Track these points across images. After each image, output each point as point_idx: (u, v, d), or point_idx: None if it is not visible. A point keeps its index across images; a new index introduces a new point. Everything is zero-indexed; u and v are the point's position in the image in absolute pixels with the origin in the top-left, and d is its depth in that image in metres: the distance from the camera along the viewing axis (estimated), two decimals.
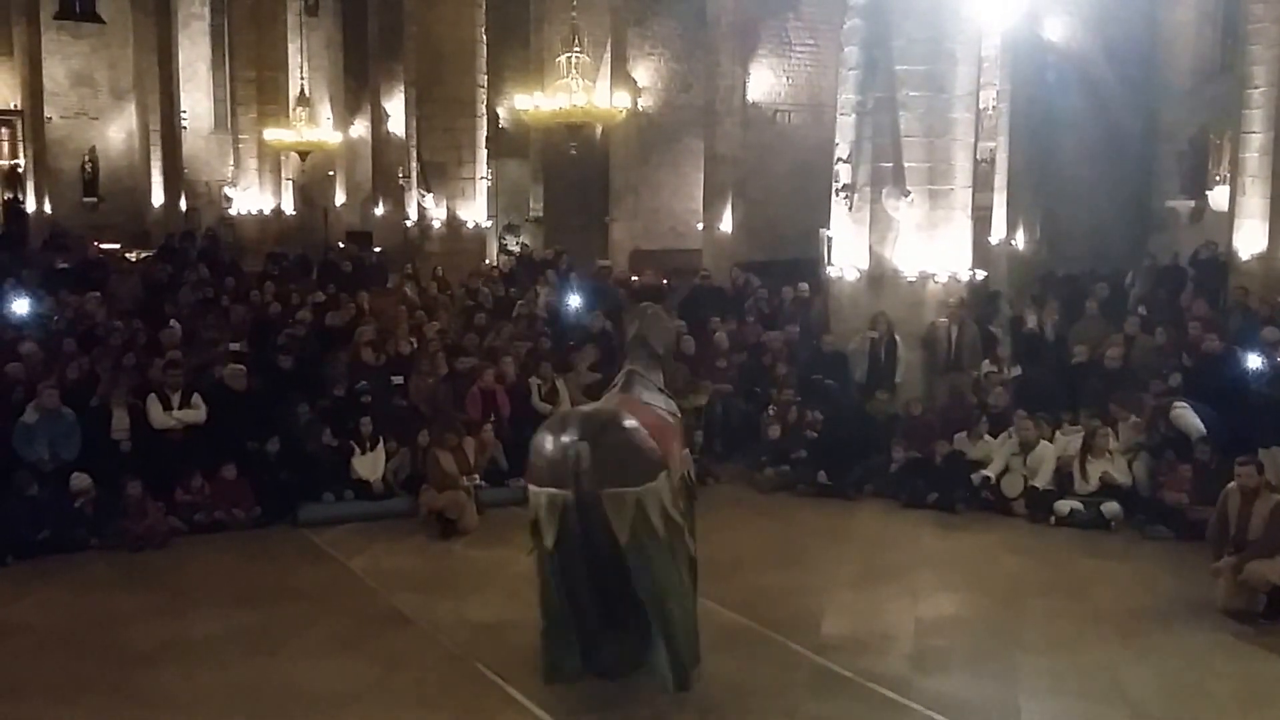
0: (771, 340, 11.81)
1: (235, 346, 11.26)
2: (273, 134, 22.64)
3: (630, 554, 5.51)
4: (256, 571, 8.09)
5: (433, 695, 6.05)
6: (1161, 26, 16.82)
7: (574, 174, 21.49)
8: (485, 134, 18.23)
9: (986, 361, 11.10)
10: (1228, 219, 13.81)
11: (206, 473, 9.05)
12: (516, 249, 22.30)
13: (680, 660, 5.67)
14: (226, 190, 27.18)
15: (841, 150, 11.32)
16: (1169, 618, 7.17)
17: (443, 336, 11.85)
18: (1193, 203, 16.19)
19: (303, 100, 22.62)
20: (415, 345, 11.38)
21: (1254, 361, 9.68)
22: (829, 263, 11.63)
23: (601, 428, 5.61)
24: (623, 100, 18.23)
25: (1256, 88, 13.18)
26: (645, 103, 21.69)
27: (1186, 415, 9.21)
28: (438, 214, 17.69)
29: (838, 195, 11.38)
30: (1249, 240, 13.22)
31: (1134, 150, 16.85)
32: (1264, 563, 7.00)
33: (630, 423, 5.69)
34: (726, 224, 19.91)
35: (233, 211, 25.57)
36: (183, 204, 27.72)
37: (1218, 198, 15.20)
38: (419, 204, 17.93)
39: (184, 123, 28.01)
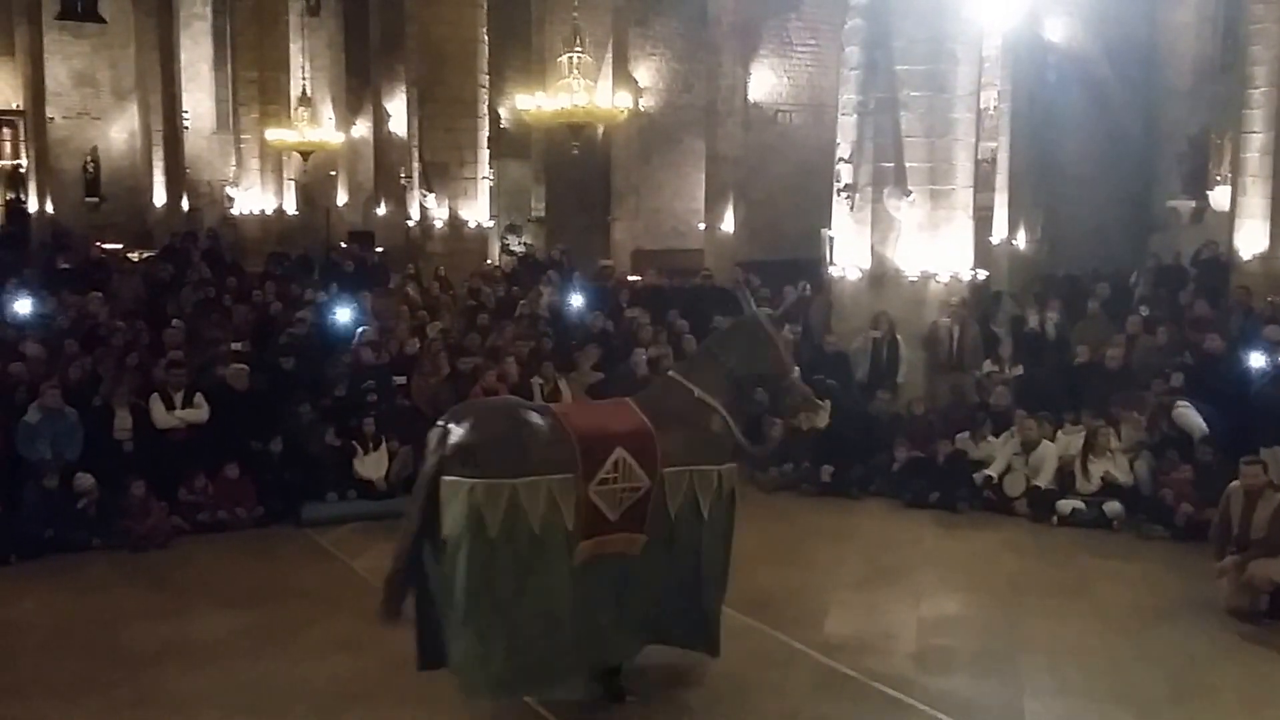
0: None
1: (237, 346, 11.27)
2: (274, 134, 22.67)
3: (448, 546, 5.20)
4: (259, 571, 8.09)
5: (436, 694, 6.03)
6: (1162, 27, 16.84)
7: (576, 174, 21.51)
8: (487, 134, 18.24)
9: (988, 361, 11.11)
10: (1229, 219, 13.81)
11: (209, 472, 9.06)
12: (519, 249, 22.31)
13: (463, 669, 5.32)
14: (228, 190, 27.21)
15: (843, 150, 11.33)
16: (1172, 617, 7.17)
17: (445, 336, 11.85)
18: (1194, 203, 16.20)
19: (304, 100, 22.66)
20: (418, 345, 11.38)
21: (1256, 360, 9.68)
22: (830, 262, 11.64)
23: (479, 415, 5.39)
24: (624, 100, 18.26)
25: (1257, 88, 13.19)
26: (647, 103, 21.72)
27: (1189, 415, 9.22)
28: (440, 214, 17.71)
29: (839, 195, 11.39)
30: (1250, 240, 13.22)
31: (1135, 150, 16.87)
32: (1267, 562, 7.01)
33: (531, 417, 5.39)
34: (728, 224, 19.94)
35: (235, 211, 25.60)
36: (185, 204, 27.74)
37: (1219, 197, 15.21)
38: (421, 204, 17.94)
39: (186, 123, 28.03)
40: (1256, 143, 13.19)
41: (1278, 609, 7.03)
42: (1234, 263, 13.37)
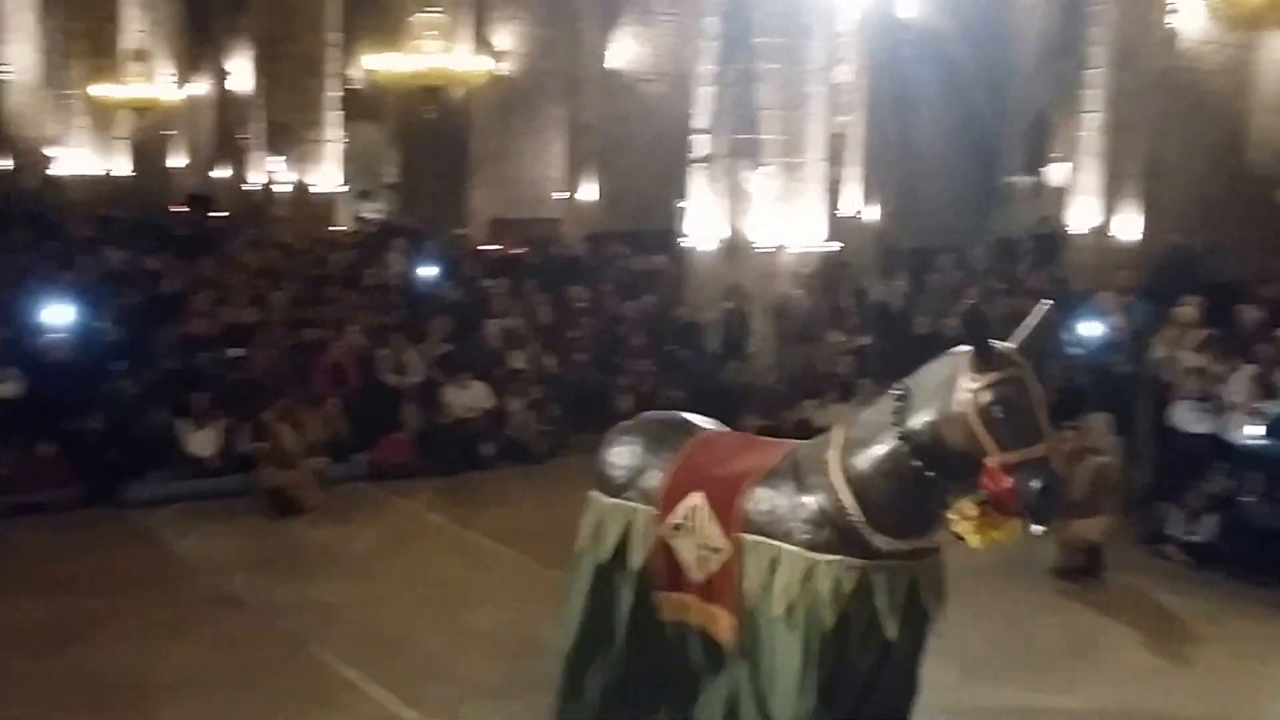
0: (627, 310, 11.77)
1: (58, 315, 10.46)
2: (105, 90, 21.22)
3: None
4: (76, 555, 7.59)
5: (264, 679, 5.78)
6: (1012, 6, 17.37)
7: (432, 139, 20.89)
8: (338, 95, 17.53)
9: (836, 331, 11.31)
10: (1064, 194, 14.41)
11: (21, 451, 8.41)
12: (373, 216, 21.58)
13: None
14: (52, 149, 25.39)
15: (700, 121, 11.32)
16: (999, 576, 7.44)
17: (287, 306, 11.33)
18: (1034, 179, 16.88)
19: (139, 55, 21.26)
20: (259, 315, 10.85)
21: (1085, 330, 10.09)
22: (684, 233, 11.64)
23: (622, 426, 5.14)
24: (483, 63, 17.80)
25: (1094, 68, 13.72)
26: (506, 67, 21.23)
27: None
28: (285, 178, 16.95)
29: (696, 166, 11.38)
30: (1083, 215, 13.83)
31: (984, 127, 17.44)
32: (1084, 523, 7.36)
33: (657, 437, 4.78)
34: (588, 193, 19.75)
35: (61, 172, 23.93)
36: (4, 163, 25.77)
37: (1056, 174, 15.88)
38: (265, 167, 17.14)
39: (7, 75, 26.00)
40: (1092, 122, 13.75)
41: (1094, 566, 7.42)
42: (1068, 237, 13.96)
